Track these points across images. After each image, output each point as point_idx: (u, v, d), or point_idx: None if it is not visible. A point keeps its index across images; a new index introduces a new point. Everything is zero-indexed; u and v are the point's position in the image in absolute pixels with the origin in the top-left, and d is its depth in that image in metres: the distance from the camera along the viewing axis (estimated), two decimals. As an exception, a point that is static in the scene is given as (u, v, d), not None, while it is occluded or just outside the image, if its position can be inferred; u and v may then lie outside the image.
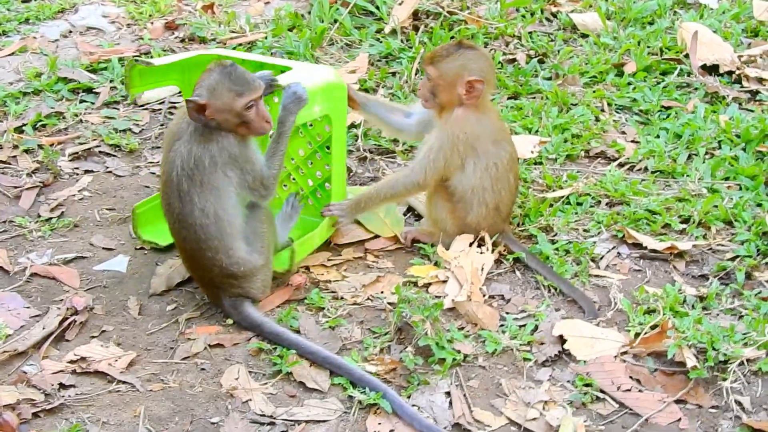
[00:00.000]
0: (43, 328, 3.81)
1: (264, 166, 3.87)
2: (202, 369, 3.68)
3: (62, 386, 3.58)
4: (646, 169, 4.85)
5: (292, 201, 4.24)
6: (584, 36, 6.04)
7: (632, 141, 5.07)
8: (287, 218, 4.21)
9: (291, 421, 3.46)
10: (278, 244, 4.08)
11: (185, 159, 3.73)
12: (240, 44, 5.82)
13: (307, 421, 3.46)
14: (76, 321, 3.86)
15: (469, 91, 4.10)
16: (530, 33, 5.99)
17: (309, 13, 6.14)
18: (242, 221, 3.87)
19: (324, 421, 3.47)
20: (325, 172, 4.40)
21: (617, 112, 5.34)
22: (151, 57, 5.45)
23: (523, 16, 6.16)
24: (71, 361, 3.68)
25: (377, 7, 6.10)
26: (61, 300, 3.99)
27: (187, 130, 3.78)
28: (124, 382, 3.61)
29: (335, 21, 6.01)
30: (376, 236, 4.39)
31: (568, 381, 3.65)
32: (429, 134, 4.24)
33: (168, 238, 4.28)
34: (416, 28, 5.96)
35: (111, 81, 5.45)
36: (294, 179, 4.50)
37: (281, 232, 4.13)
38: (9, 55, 5.82)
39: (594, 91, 5.43)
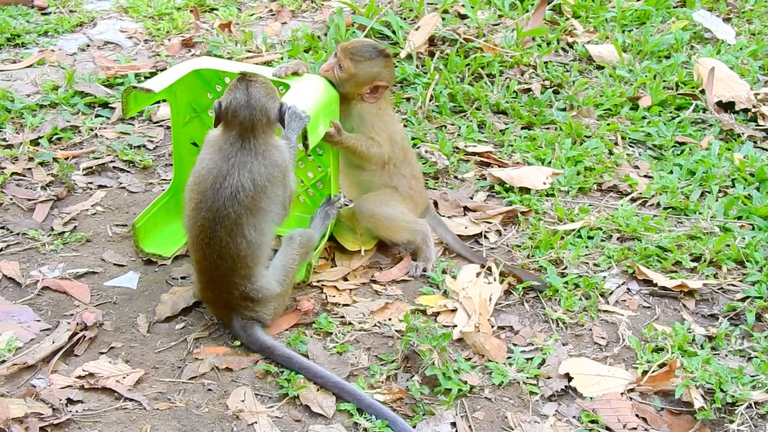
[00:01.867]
0: (53, 342, 3.81)
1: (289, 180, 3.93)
2: (209, 389, 3.68)
3: (70, 401, 3.58)
4: (658, 204, 4.85)
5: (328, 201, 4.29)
6: (600, 68, 6.06)
7: (645, 176, 5.08)
8: (325, 216, 4.23)
9: (296, 446, 3.47)
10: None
11: (240, 185, 3.75)
12: (256, 64, 5.83)
13: (311, 447, 3.47)
14: (85, 336, 3.87)
15: (373, 92, 4.31)
16: (546, 63, 6.00)
17: (325, 34, 6.16)
18: (269, 246, 3.89)
19: (328, 447, 3.48)
20: (317, 173, 4.45)
21: (631, 146, 5.35)
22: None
23: (539, 46, 6.17)
24: (79, 377, 3.68)
25: (393, 32, 6.11)
26: (72, 314, 3.99)
27: (241, 148, 3.80)
28: (131, 400, 3.61)
29: (351, 44, 6.02)
30: (384, 266, 4.40)
31: (574, 416, 3.65)
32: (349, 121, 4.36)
33: (172, 248, 4.31)
34: (432, 54, 5.97)
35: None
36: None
37: (319, 231, 4.18)
38: (27, 67, 5.84)
39: (608, 124, 5.44)
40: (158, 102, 4.45)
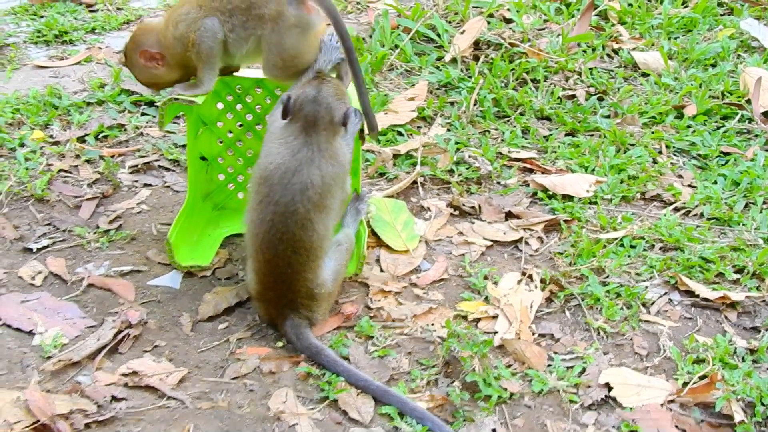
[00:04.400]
0: (98, 340, 3.86)
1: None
2: (251, 390, 3.71)
3: (114, 399, 3.61)
4: (702, 215, 4.84)
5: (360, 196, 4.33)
6: (645, 75, 6.05)
7: (689, 185, 5.07)
8: (356, 213, 4.27)
9: (336, 448, 3.49)
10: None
11: (309, 181, 3.83)
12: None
13: (352, 450, 3.49)
14: (129, 334, 3.90)
15: None
16: (591, 69, 6.00)
17: (370, 36, 6.19)
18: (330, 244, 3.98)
19: (369, 450, 3.50)
20: None
21: (675, 155, 5.34)
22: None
23: (584, 52, 6.17)
24: (124, 374, 3.72)
25: (438, 35, 6.13)
26: (116, 312, 4.03)
27: (306, 144, 3.87)
28: (174, 399, 3.64)
29: (396, 46, 6.05)
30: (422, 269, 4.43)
31: (614, 426, 3.65)
32: None
33: (208, 256, 4.34)
34: (476, 58, 5.99)
35: (167, 92, 5.48)
36: None
37: (354, 229, 4.22)
38: (75, 64, 5.90)
39: (653, 132, 5.43)
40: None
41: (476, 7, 6.45)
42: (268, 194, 3.82)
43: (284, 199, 3.80)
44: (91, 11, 6.61)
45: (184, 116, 4.47)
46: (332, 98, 3.91)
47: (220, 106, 4.50)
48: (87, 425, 3.49)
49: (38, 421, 3.41)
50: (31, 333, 3.92)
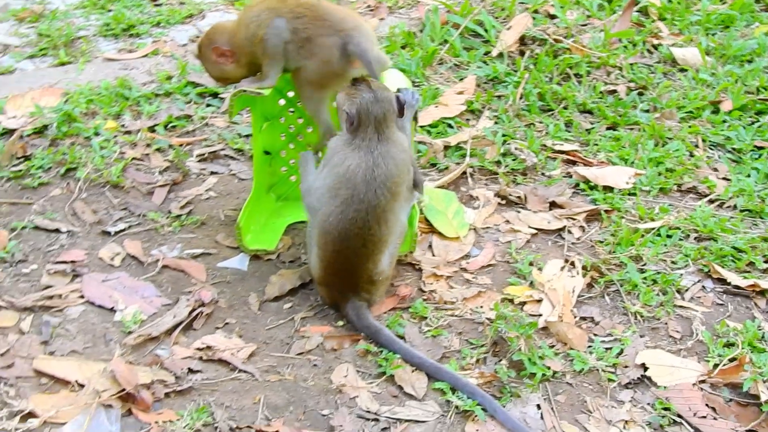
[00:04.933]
0: (174, 317, 4.19)
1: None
2: (315, 365, 4.04)
3: (190, 371, 3.95)
4: (735, 207, 5.10)
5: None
6: (683, 70, 6.28)
7: (724, 178, 5.32)
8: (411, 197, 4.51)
9: (393, 419, 3.80)
10: None
11: (388, 171, 4.14)
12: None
13: (407, 420, 3.80)
14: (202, 312, 4.23)
15: None
16: (631, 64, 6.24)
17: (421, 31, 6.46)
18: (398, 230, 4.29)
19: (423, 422, 3.81)
20: None
21: (711, 149, 5.58)
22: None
23: (625, 47, 6.41)
24: (198, 349, 4.05)
25: (486, 30, 6.40)
26: (190, 292, 4.36)
27: (379, 140, 4.16)
28: (244, 371, 3.98)
29: (445, 41, 6.32)
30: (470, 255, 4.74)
31: (648, 404, 3.95)
32: None
33: (273, 241, 4.67)
34: (522, 53, 6.24)
35: (235, 87, 5.77)
36: None
37: (406, 215, 4.45)
38: (142, 56, 6.21)
39: (690, 127, 5.68)
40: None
41: (522, 3, 6.69)
42: (352, 195, 4.10)
43: (368, 195, 4.09)
44: (155, 5, 6.88)
45: (249, 112, 4.77)
46: (386, 92, 4.21)
47: (282, 102, 4.78)
48: (167, 394, 3.84)
49: (123, 390, 3.76)
50: (112, 310, 4.25)
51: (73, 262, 4.50)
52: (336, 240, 4.15)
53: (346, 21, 4.38)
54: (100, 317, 4.22)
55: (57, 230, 4.70)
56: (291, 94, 4.75)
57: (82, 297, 4.31)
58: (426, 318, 4.30)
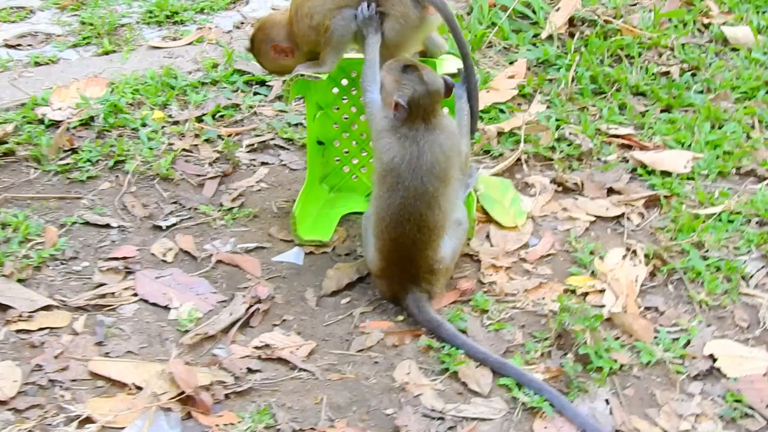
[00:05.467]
0: (231, 314, 4.11)
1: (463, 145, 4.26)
2: (376, 362, 3.96)
3: (250, 371, 3.87)
4: (795, 189, 4.99)
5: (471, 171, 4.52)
6: (735, 50, 6.16)
7: (782, 162, 5.22)
8: (465, 188, 4.45)
9: (459, 417, 3.72)
10: None
11: (434, 159, 4.06)
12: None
13: (474, 419, 3.71)
14: (259, 309, 4.16)
15: None
16: (683, 45, 6.12)
17: (468, 14, 6.35)
18: (454, 214, 4.21)
19: (490, 419, 3.72)
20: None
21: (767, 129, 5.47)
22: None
23: (676, 27, 6.29)
24: (257, 347, 3.98)
25: (534, 12, 6.29)
26: (245, 287, 4.29)
27: (426, 129, 4.09)
28: (305, 370, 3.90)
29: (493, 24, 6.21)
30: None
31: (719, 396, 3.85)
32: None
33: (328, 232, 4.59)
34: (572, 35, 6.14)
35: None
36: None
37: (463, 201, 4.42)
38: (187, 44, 6.14)
39: (745, 108, 5.56)
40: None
41: (570, -17, 6.59)
42: (396, 182, 4.04)
43: (414, 183, 4.02)
44: (198, -9, 6.83)
45: (303, 100, 4.69)
46: (436, 81, 4.11)
47: (335, 90, 4.70)
48: (227, 396, 3.76)
49: (183, 392, 3.69)
50: (166, 308, 4.19)
51: (125, 258, 4.44)
52: (390, 227, 4.08)
53: None
54: (155, 315, 4.16)
55: (107, 225, 4.65)
56: (345, 82, 4.65)
57: (135, 295, 4.25)
58: (487, 311, 4.21)
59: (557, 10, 6.25)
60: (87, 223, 4.65)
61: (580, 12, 6.25)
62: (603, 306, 4.23)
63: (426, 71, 4.10)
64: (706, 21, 6.42)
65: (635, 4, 6.53)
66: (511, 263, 4.49)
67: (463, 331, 4.07)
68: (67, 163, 5.00)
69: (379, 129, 4.17)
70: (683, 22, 6.35)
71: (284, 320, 4.15)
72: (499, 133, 5.30)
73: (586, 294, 4.33)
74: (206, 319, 4.13)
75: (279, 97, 5.61)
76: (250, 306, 4.16)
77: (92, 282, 4.32)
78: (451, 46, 4.59)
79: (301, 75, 4.39)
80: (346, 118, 4.76)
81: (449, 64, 4.55)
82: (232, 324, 4.09)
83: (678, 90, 5.72)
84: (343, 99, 4.73)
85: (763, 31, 6.29)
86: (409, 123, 4.06)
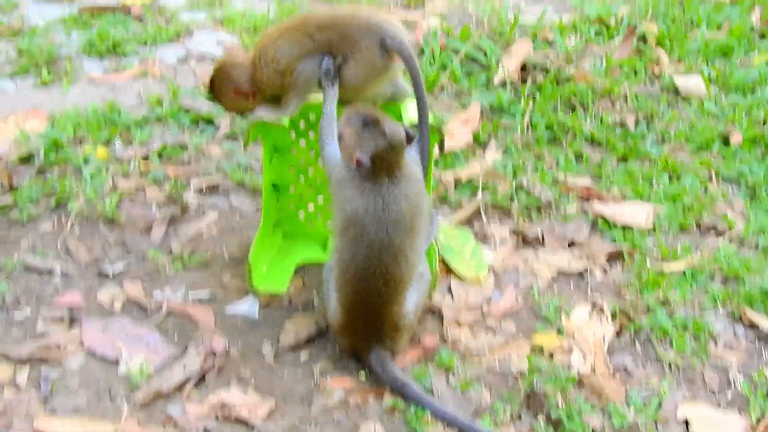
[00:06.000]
0: (184, 369, 3.90)
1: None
2: (339, 423, 3.76)
3: (206, 431, 3.66)
4: (756, 246, 4.89)
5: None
6: (687, 99, 6.10)
7: (741, 214, 5.13)
8: (426, 237, 4.27)
9: (428, 483, 3.55)
10: None
11: (400, 211, 3.87)
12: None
13: (442, 486, 3.55)
14: (214, 364, 3.95)
15: None
16: (635, 94, 6.05)
17: (420, 56, 6.22)
18: (419, 265, 4.03)
19: (457, 486, 3.56)
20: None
21: (724, 183, 5.39)
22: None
23: (628, 75, 6.23)
24: (213, 406, 3.76)
25: (486, 55, 6.18)
26: (198, 340, 4.07)
27: (390, 182, 3.91)
28: (266, 432, 3.70)
29: (444, 66, 6.09)
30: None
31: (694, 462, 3.73)
32: None
33: (284, 282, 4.39)
34: (524, 80, 6.04)
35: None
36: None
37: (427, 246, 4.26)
38: (130, 78, 5.91)
39: (701, 160, 5.49)
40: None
41: (520, 28, 6.51)
42: (360, 234, 3.86)
43: (379, 235, 3.84)
44: (140, 23, 6.59)
45: (261, 142, 4.50)
46: (398, 134, 3.92)
47: (293, 134, 4.54)
48: (184, 459, 3.54)
49: (137, 454, 3.46)
50: (116, 361, 3.96)
51: (70, 306, 4.21)
52: (354, 280, 3.90)
53: (373, 17, 4.21)
54: (103, 369, 3.93)
55: (50, 270, 4.41)
56: (303, 124, 4.49)
57: (82, 346, 4.02)
58: (453, 369, 4.04)
59: (509, 55, 6.15)
60: (28, 268, 4.41)
61: (532, 57, 6.15)
62: (571, 366, 4.08)
63: (387, 123, 3.91)
64: (657, 70, 6.36)
65: (586, 51, 6.43)
66: (475, 319, 4.33)
67: (429, 391, 3.90)
68: (6, 203, 4.74)
69: (340, 181, 3.97)
70: (635, 71, 6.28)
71: (241, 376, 3.94)
72: (456, 182, 5.15)
73: (553, 353, 4.17)
74: (158, 373, 3.90)
75: (228, 136, 5.41)
76: (205, 361, 3.94)
77: (35, 332, 4.08)
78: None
79: (261, 118, 4.20)
80: (303, 162, 4.57)
81: (413, 108, 4.39)
82: (187, 380, 3.87)
83: (633, 140, 5.64)
84: (301, 142, 4.55)
85: (713, 82, 6.23)
86: (375, 178, 3.88)
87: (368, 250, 3.85)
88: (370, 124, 3.91)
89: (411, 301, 4.00)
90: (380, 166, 3.86)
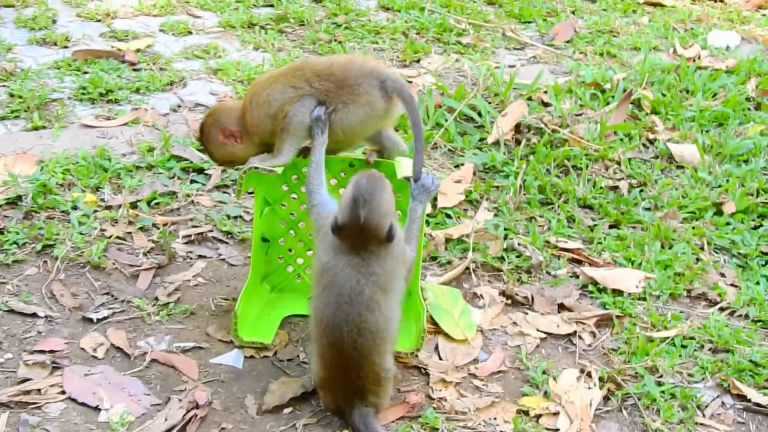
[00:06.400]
0: (165, 420, 3.84)
1: (409, 251, 4.06)
2: (323, 481, 3.71)
3: (186, 484, 3.61)
4: (747, 316, 4.87)
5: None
6: (680, 167, 6.09)
7: (732, 284, 5.10)
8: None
9: None
10: None
11: (373, 271, 3.84)
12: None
13: None
14: (197, 415, 3.88)
15: None
16: (629, 159, 6.04)
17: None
18: (396, 328, 3.99)
19: None
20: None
21: (716, 252, 5.37)
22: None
23: (622, 140, 6.22)
24: (194, 458, 3.71)
25: (480, 115, 6.18)
26: (181, 390, 4.02)
27: (361, 258, 3.87)
28: (246, 487, 3.64)
29: (438, 125, 6.08)
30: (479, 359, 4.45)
31: None
32: None
33: (270, 333, 4.34)
34: (518, 142, 6.03)
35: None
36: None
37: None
38: (122, 125, 5.87)
39: (693, 228, 5.46)
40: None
41: (515, 89, 6.50)
42: (332, 281, 3.83)
43: (350, 282, 3.80)
44: (134, 70, 6.56)
45: (252, 193, 4.47)
46: (377, 219, 3.84)
47: (285, 187, 4.50)
48: None
49: (115, 504, 3.40)
50: (96, 408, 3.90)
51: (52, 351, 4.15)
52: (328, 330, 3.84)
53: (368, 62, 4.25)
54: (83, 417, 3.86)
55: (34, 314, 4.36)
56: (295, 178, 4.45)
57: (63, 393, 3.96)
58: (437, 429, 3.99)
59: (504, 115, 6.14)
60: (12, 311, 4.36)
61: (527, 119, 6.14)
62: (557, 430, 4.04)
63: (374, 205, 3.81)
64: (651, 136, 6.35)
65: (580, 114, 6.44)
66: (461, 378, 4.28)
67: (413, 451, 3.84)
68: (-8, 246, 4.69)
69: (323, 231, 3.96)
70: (629, 136, 6.27)
71: (223, 428, 3.89)
72: (447, 240, 5.12)
73: (539, 416, 4.13)
74: (139, 423, 3.85)
75: (218, 187, 5.37)
76: (187, 411, 3.88)
77: (16, 376, 4.01)
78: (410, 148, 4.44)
79: (256, 168, 4.16)
80: (294, 216, 4.54)
81: (407, 165, 4.37)
82: (168, 431, 3.80)
83: (626, 206, 5.61)
84: (293, 196, 4.51)
85: (708, 151, 6.22)
86: (346, 248, 3.87)
87: (338, 296, 3.81)
88: (361, 198, 3.83)
89: (391, 357, 3.96)
90: (349, 237, 3.84)
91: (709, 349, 4.62)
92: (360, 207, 3.80)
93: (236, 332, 4.27)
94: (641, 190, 5.80)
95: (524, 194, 5.60)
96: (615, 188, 5.80)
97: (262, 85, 4.29)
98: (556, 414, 4.13)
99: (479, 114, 6.21)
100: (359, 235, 3.82)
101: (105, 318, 4.39)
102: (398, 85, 4.17)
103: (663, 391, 4.30)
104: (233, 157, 4.35)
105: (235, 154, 4.33)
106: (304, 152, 4.33)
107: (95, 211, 5.02)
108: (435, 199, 4.24)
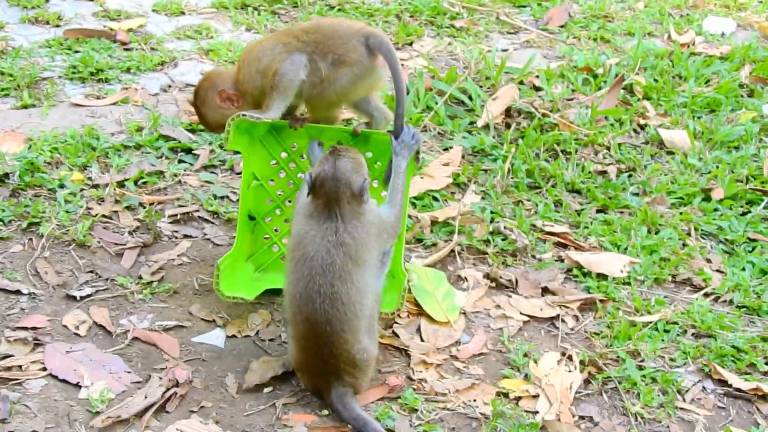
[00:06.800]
0: (145, 397, 3.85)
1: (390, 215, 4.14)
2: (300, 459, 3.72)
3: (163, 461, 3.62)
4: (731, 302, 4.88)
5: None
6: (671, 153, 6.08)
7: (718, 270, 5.10)
8: (382, 266, 4.25)
9: None
10: None
11: (343, 241, 3.87)
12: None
13: None
14: (177, 393, 3.90)
15: None
16: (619, 144, 6.03)
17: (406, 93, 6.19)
18: (372, 305, 4.01)
19: None
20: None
21: (703, 238, 5.37)
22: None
23: (612, 125, 6.21)
24: (172, 435, 3.72)
25: (471, 99, 6.17)
26: (162, 368, 4.04)
27: (329, 217, 3.91)
28: (223, 464, 3.65)
29: (428, 108, 6.07)
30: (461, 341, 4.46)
31: None
32: None
33: (254, 291, 4.35)
34: (508, 125, 6.02)
35: (210, 143, 5.48)
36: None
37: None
38: (111, 104, 5.87)
39: (681, 214, 5.46)
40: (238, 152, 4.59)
41: (507, 73, 6.49)
42: (304, 254, 3.88)
43: (320, 253, 3.85)
44: (125, 50, 6.55)
45: (241, 171, 4.48)
46: (350, 172, 3.95)
47: (274, 164, 4.51)
48: (138, 488, 3.49)
49: (91, 481, 3.41)
50: (77, 385, 3.92)
51: (34, 328, 4.17)
52: (302, 304, 3.87)
53: (354, 24, 4.45)
54: (64, 393, 3.88)
55: (17, 291, 4.38)
56: (284, 155, 4.46)
57: (44, 369, 3.98)
58: (417, 410, 4.01)
59: (494, 99, 6.14)
60: (-5, 288, 4.36)
61: (517, 103, 6.14)
62: (536, 412, 4.06)
63: (347, 161, 3.95)
64: (642, 122, 6.34)
65: (572, 99, 6.43)
66: (442, 360, 4.30)
67: (391, 431, 3.84)
68: (-23, 223, 4.70)
69: (299, 205, 4.07)
70: (620, 121, 6.26)
71: (202, 407, 3.91)
72: (433, 222, 5.12)
73: (519, 398, 4.14)
74: (119, 400, 3.86)
75: (205, 167, 5.38)
76: (167, 389, 3.90)
77: (-2, 352, 4.02)
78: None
79: (243, 115, 4.24)
80: (281, 194, 4.55)
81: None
82: (147, 408, 3.82)
83: (614, 191, 5.61)
84: (281, 173, 4.52)
85: (698, 137, 6.21)
86: (316, 206, 3.94)
87: (311, 269, 3.84)
88: (333, 153, 3.94)
89: (367, 335, 3.96)
90: (322, 193, 3.91)
91: (692, 334, 4.63)
92: (334, 155, 3.93)
93: (218, 285, 4.29)
94: (630, 176, 5.80)
95: (512, 178, 5.59)
96: (603, 173, 5.80)
97: (253, 45, 4.44)
98: (535, 396, 4.15)
99: (470, 97, 6.20)
100: (332, 191, 3.89)
101: (88, 296, 4.41)
102: (379, 40, 4.28)
103: (644, 375, 4.32)
104: (225, 122, 4.37)
105: (228, 117, 4.35)
106: (292, 121, 4.39)
107: (82, 189, 5.03)
108: (417, 153, 4.22)
